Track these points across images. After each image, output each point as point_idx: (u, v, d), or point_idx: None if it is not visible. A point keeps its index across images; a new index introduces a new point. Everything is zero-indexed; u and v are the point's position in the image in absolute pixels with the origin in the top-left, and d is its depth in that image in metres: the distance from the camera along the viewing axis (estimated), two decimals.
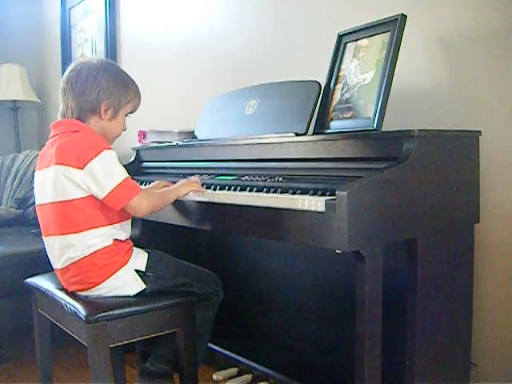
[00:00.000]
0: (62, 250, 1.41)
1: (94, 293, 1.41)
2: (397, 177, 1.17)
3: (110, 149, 1.39)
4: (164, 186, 1.64)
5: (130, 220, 1.51)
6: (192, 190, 1.50)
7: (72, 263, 1.40)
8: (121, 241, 1.44)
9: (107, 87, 1.45)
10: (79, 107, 1.45)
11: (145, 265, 1.46)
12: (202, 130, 2.01)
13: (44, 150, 1.48)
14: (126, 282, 1.42)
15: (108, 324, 1.32)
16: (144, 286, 1.44)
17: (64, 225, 1.40)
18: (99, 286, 1.40)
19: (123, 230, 1.46)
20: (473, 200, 1.40)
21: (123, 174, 1.39)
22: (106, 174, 1.35)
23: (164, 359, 1.57)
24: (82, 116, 1.46)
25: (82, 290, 1.42)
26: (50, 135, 1.48)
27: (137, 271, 1.44)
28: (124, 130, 1.56)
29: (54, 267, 1.49)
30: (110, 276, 1.40)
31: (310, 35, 1.95)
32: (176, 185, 1.54)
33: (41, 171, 1.47)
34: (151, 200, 1.43)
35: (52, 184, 1.40)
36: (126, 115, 1.55)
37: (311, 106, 1.53)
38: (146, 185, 1.80)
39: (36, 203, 1.50)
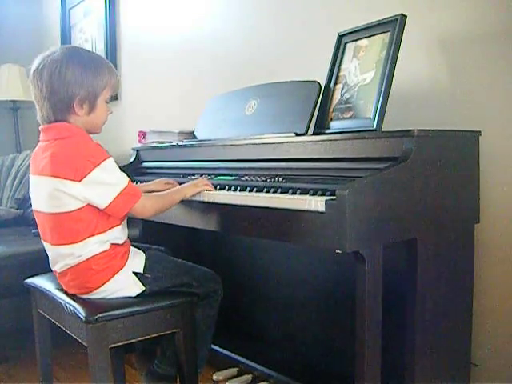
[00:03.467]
0: (59, 257, 1.40)
1: (93, 296, 1.40)
2: (397, 177, 1.17)
3: (107, 158, 1.31)
4: (166, 184, 1.63)
5: (126, 220, 1.49)
6: (201, 192, 1.48)
7: (69, 268, 1.39)
8: (118, 244, 1.42)
9: (75, 80, 1.31)
10: (53, 110, 1.33)
11: (142, 266, 1.44)
12: (202, 130, 2.01)
13: (36, 153, 1.40)
14: (125, 285, 1.41)
15: (108, 324, 1.32)
16: (143, 288, 1.42)
17: (62, 236, 1.36)
18: (98, 290, 1.39)
19: (123, 232, 1.45)
20: (473, 200, 1.40)
21: (123, 182, 1.34)
22: (105, 185, 1.31)
23: (170, 361, 1.57)
24: (59, 118, 1.34)
25: (81, 294, 1.41)
26: (41, 138, 1.39)
27: (135, 273, 1.42)
28: (110, 113, 1.44)
29: (52, 269, 1.48)
30: (108, 280, 1.38)
31: (310, 35, 1.95)
32: (183, 185, 1.52)
33: (34, 177, 1.40)
34: (152, 204, 1.40)
35: (47, 196, 1.34)
36: (107, 101, 1.41)
37: (311, 106, 1.53)
38: None
39: (32, 207, 1.45)
